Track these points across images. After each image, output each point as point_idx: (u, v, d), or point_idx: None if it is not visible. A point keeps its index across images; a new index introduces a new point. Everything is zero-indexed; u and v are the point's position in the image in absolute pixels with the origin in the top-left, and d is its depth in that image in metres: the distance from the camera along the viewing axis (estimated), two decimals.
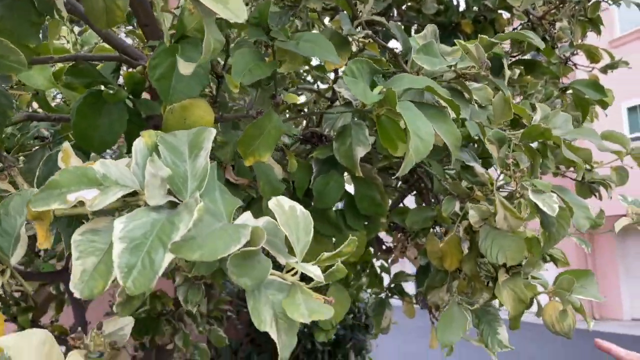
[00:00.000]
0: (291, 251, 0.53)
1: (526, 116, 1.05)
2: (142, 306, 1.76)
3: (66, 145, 0.54)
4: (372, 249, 1.84)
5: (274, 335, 0.47)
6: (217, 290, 2.36)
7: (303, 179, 1.20)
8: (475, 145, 1.30)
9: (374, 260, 1.82)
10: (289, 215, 0.52)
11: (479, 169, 1.08)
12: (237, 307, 3.23)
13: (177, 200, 0.48)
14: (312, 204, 1.17)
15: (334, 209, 1.24)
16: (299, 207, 0.53)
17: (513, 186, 1.00)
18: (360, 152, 1.13)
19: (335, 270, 0.51)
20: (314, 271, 0.48)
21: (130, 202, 0.50)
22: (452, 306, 1.13)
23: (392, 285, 1.66)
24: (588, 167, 1.54)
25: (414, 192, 1.72)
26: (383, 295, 1.66)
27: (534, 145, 1.16)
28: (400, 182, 1.73)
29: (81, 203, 0.48)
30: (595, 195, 1.67)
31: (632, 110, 12.64)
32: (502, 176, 1.13)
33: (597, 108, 2.00)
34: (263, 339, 3.19)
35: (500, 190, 1.13)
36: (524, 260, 1.14)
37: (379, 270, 1.98)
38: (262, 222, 0.52)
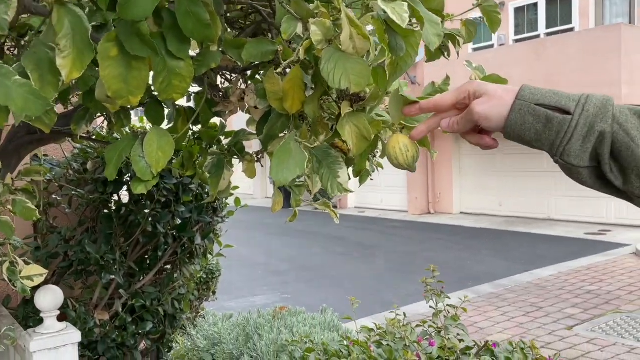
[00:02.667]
0: None
1: None
2: None
3: None
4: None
5: None
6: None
7: None
8: None
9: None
10: None
11: None
12: (67, 191, 2.86)
13: None
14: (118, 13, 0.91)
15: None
16: None
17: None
18: None
19: None
20: None
21: None
22: (288, 141, 0.99)
23: (233, 144, 1.49)
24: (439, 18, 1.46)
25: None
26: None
27: None
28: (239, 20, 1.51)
29: None
30: (444, 54, 1.62)
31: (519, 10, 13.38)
32: None
33: None
34: (99, 226, 2.90)
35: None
36: (367, 93, 1.03)
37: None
38: None
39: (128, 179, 2.83)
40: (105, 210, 2.90)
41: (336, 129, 1.02)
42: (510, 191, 13.68)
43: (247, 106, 1.28)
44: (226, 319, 3.90)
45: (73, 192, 2.68)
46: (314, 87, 1.17)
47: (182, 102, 1.73)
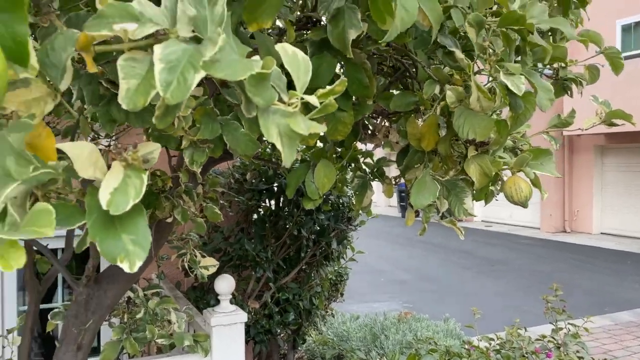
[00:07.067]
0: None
1: (506, 5, 1.14)
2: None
3: None
4: (357, 140, 1.99)
5: (279, 145, 0.60)
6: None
7: None
8: (459, 37, 1.39)
9: (361, 146, 1.96)
10: (292, 58, 0.63)
11: (459, 54, 1.19)
12: (229, 197, 3.42)
13: (200, 37, 0.59)
14: None
15: None
16: (300, 52, 0.64)
17: (487, 68, 1.11)
18: (352, 34, 1.22)
19: (328, 104, 0.64)
20: (311, 100, 0.61)
21: (161, 39, 0.61)
22: (424, 176, 1.28)
23: (375, 170, 1.81)
24: (562, 64, 1.64)
25: (400, 88, 1.83)
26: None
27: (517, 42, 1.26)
28: (387, 76, 1.83)
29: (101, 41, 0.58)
30: (568, 93, 1.79)
31: (626, 29, 12.44)
32: (479, 64, 1.24)
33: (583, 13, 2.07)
34: (253, 228, 3.41)
35: (477, 75, 1.24)
36: (490, 139, 1.28)
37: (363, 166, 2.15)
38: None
39: (274, 189, 3.31)
40: (256, 215, 3.41)
41: (463, 167, 1.29)
42: None
43: (383, 141, 1.60)
44: (354, 319, 4.24)
45: (235, 198, 3.21)
46: (446, 126, 1.45)
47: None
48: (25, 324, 2.46)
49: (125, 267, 0.62)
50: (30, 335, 2.44)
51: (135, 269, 0.63)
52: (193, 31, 0.60)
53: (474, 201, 1.73)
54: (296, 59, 0.63)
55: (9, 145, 0.52)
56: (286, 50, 0.63)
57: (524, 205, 1.24)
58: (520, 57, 1.38)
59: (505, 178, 1.33)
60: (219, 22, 0.61)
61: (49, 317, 2.42)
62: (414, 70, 1.54)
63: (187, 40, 0.58)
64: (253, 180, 3.21)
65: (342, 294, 5.30)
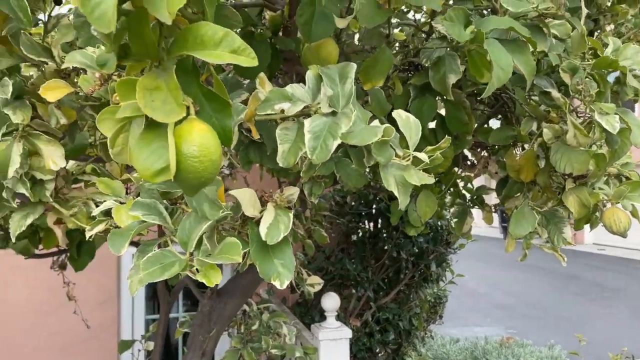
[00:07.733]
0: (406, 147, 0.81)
1: (600, 48, 1.21)
2: None
3: (262, 75, 0.84)
4: (457, 170, 2.09)
5: (395, 192, 0.76)
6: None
7: (402, 102, 1.45)
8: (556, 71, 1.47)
9: (460, 173, 2.06)
10: (405, 121, 0.79)
11: (555, 94, 1.28)
12: (331, 219, 3.63)
13: (335, 110, 0.77)
14: None
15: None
16: (411, 116, 0.80)
17: (583, 108, 1.19)
18: (452, 79, 1.35)
19: (435, 158, 0.79)
20: (421, 156, 0.76)
21: (305, 112, 0.80)
22: (523, 207, 1.37)
23: (474, 197, 1.91)
24: None
25: (499, 117, 1.92)
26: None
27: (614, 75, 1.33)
28: (485, 107, 1.93)
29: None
30: None
31: None
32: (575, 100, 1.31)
33: None
34: (353, 248, 3.59)
35: (574, 113, 1.31)
36: (589, 171, 1.34)
37: (462, 191, 2.24)
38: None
39: (372, 212, 3.46)
40: (355, 237, 3.58)
41: (561, 199, 1.37)
42: None
43: (482, 171, 1.70)
44: (453, 342, 4.24)
45: (337, 220, 3.41)
46: (545, 158, 1.52)
47: None
48: (157, 330, 2.81)
49: (277, 284, 0.81)
50: (162, 341, 2.78)
51: (284, 287, 0.82)
52: (329, 105, 0.78)
53: (576, 230, 1.77)
54: (408, 122, 0.79)
55: (204, 195, 0.73)
56: (400, 115, 0.80)
57: (623, 235, 1.28)
58: (621, 87, 1.43)
59: (606, 207, 1.38)
60: (349, 97, 0.79)
61: (177, 326, 2.74)
62: (512, 104, 1.64)
63: (326, 114, 0.76)
64: (353, 203, 3.39)
65: (441, 317, 5.28)
